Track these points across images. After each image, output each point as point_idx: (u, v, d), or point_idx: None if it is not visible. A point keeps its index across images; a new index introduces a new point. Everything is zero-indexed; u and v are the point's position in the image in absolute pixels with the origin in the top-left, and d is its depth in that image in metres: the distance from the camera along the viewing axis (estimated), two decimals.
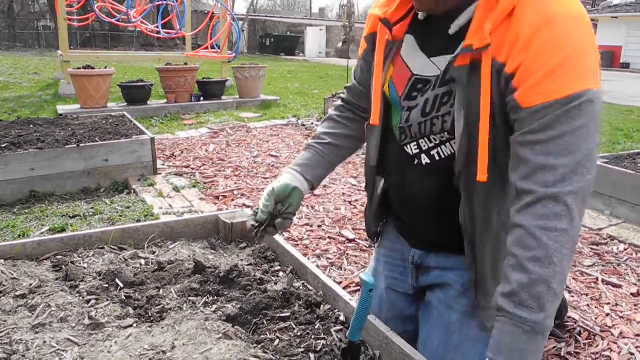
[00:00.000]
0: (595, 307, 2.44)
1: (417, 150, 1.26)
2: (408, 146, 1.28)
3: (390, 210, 1.50)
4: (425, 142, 1.24)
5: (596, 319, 2.34)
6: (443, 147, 1.21)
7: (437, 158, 1.23)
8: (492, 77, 1.05)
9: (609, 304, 2.48)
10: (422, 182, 1.28)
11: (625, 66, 26.00)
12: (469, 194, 1.16)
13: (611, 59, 26.81)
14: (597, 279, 2.72)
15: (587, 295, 2.56)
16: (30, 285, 1.58)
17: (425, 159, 1.25)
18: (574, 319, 2.30)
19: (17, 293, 1.53)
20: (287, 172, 1.43)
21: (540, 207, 0.99)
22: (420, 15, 1.22)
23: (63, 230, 3.13)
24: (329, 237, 3.16)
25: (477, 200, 1.16)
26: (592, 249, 3.12)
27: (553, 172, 0.98)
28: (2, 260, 1.73)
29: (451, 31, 1.13)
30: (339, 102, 1.57)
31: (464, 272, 1.30)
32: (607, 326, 2.28)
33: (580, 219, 1.00)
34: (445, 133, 1.18)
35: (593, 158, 1.00)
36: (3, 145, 3.83)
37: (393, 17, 1.24)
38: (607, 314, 2.38)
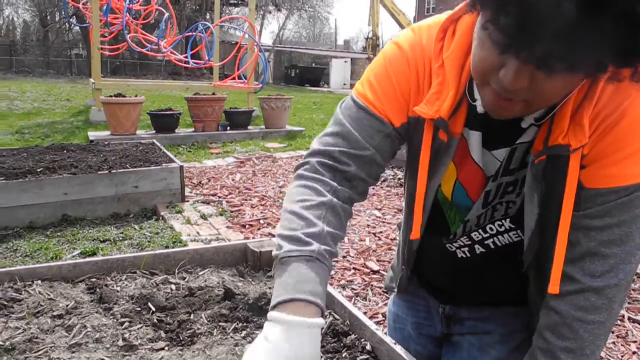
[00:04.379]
0: (622, 345, 2.42)
1: (469, 242, 1.17)
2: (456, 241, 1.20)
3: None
4: (480, 233, 1.15)
5: (622, 357, 2.32)
6: (500, 237, 1.14)
7: (493, 247, 1.15)
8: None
9: (635, 342, 2.45)
10: (466, 266, 1.22)
11: None
12: (540, 283, 1.08)
13: None
14: (623, 316, 2.69)
15: (612, 332, 2.53)
16: (67, 306, 1.63)
17: (479, 249, 1.17)
18: (601, 357, 2.28)
19: (54, 313, 1.58)
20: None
21: (582, 298, 0.95)
22: (480, 108, 0.98)
23: (94, 253, 3.21)
24: (353, 268, 3.18)
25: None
26: None
27: (602, 262, 0.93)
28: (39, 281, 1.80)
29: (524, 124, 0.99)
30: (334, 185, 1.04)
31: (503, 321, 1.28)
32: None
33: (619, 307, 0.97)
34: (505, 221, 1.11)
35: None
36: (38, 170, 3.96)
37: (447, 114, 0.99)
38: (634, 352, 2.35)
